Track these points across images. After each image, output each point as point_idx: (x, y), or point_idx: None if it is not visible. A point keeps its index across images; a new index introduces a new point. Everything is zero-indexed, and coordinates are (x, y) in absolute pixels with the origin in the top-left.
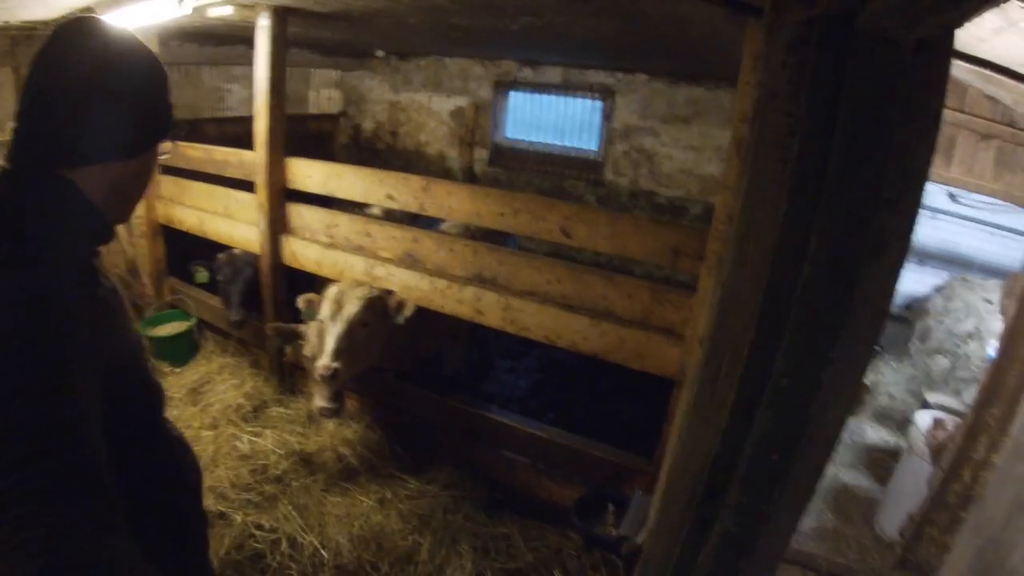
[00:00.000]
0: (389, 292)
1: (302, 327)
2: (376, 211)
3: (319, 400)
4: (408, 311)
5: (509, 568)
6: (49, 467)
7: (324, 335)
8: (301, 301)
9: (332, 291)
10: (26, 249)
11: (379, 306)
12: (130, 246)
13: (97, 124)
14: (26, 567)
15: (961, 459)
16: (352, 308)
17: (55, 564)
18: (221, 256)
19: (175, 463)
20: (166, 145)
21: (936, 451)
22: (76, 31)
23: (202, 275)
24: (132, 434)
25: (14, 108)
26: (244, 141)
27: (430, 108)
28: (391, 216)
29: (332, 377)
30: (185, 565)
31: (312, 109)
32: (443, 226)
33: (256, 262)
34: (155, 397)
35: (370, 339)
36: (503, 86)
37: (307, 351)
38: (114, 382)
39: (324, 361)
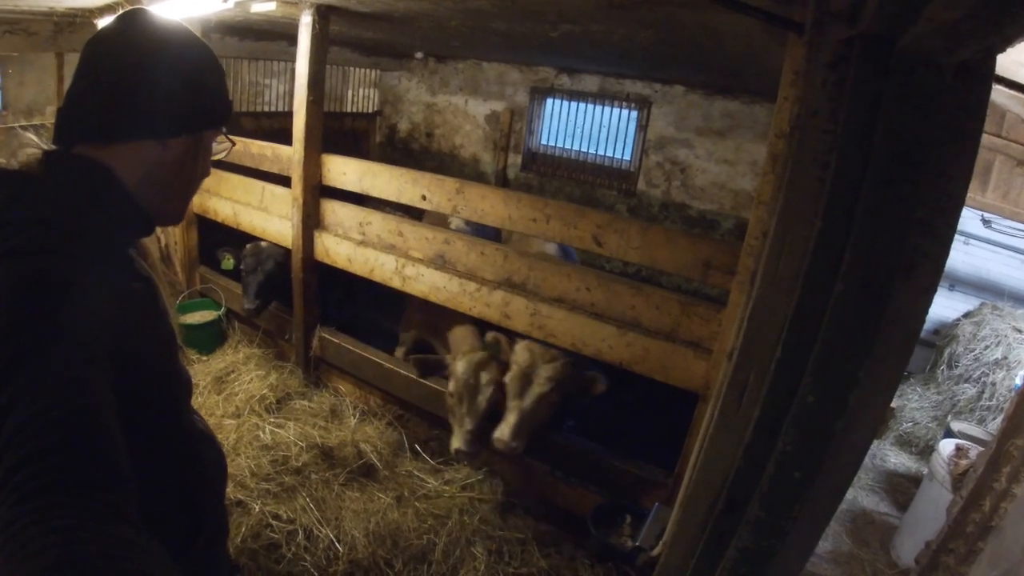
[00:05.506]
0: (573, 363)
1: (449, 358)
2: (458, 222)
3: (457, 442)
4: (599, 389)
5: (522, 573)
6: (70, 458)
7: (507, 410)
8: (489, 336)
9: (522, 357)
10: (46, 237)
11: (568, 383)
12: (164, 233)
13: (124, 100)
14: (44, 558)
15: (982, 488)
16: (543, 388)
17: (74, 555)
18: (248, 246)
19: (196, 458)
20: (223, 142)
21: (957, 479)
22: (121, 20)
23: (228, 262)
24: (150, 428)
25: (55, 92)
26: (280, 136)
27: (466, 111)
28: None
29: (511, 453)
30: (194, 563)
31: (349, 107)
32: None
33: (281, 256)
34: (181, 391)
35: (551, 411)
36: (540, 92)
37: (452, 388)
38: (135, 376)
39: (504, 438)
